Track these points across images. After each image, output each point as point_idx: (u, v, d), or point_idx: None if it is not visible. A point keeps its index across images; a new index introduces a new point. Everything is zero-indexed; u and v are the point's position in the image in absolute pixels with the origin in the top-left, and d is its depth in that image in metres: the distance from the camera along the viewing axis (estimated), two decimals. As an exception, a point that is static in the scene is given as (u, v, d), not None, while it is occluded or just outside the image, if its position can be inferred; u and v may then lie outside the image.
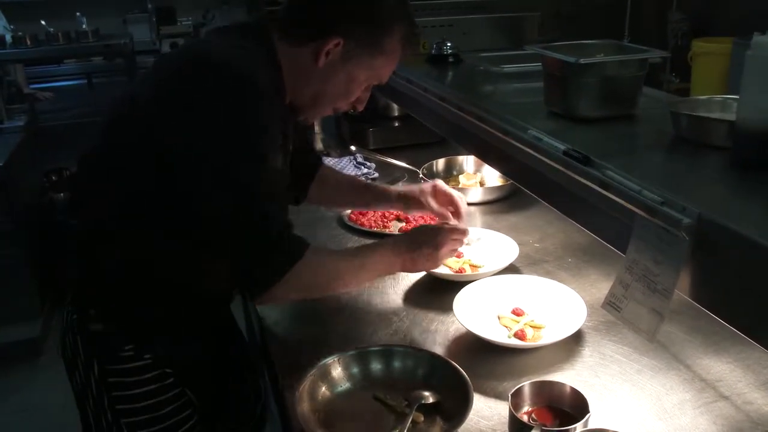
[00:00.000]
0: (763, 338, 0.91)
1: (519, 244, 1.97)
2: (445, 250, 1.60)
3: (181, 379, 1.49)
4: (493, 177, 2.56)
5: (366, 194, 1.93)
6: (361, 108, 1.52)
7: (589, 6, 4.45)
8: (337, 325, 1.70)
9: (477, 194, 2.42)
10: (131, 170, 1.34)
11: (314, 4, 1.39)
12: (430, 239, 1.58)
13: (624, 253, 1.07)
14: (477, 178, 2.57)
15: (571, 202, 1.19)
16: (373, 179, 2.60)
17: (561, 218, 1.36)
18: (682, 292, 0.98)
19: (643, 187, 1.01)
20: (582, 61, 1.26)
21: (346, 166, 2.66)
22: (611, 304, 1.07)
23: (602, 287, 1.82)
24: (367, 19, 1.38)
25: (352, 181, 2.04)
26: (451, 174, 2.65)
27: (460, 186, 2.50)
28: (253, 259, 1.33)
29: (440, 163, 2.65)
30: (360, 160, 2.74)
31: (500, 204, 2.42)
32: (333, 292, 1.66)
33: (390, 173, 2.61)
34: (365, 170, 2.67)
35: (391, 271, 1.64)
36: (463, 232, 1.67)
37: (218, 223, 1.29)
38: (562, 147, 1.17)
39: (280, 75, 1.38)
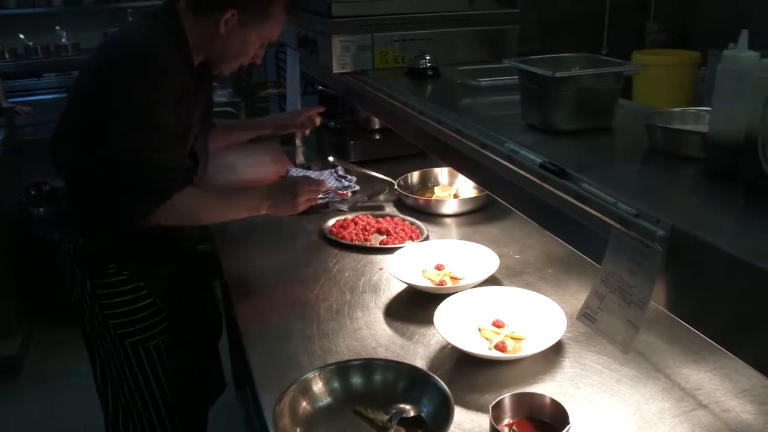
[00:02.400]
0: (736, 348, 0.92)
1: (499, 256, 1.98)
2: (302, 198, 1.93)
3: (151, 291, 1.90)
4: (467, 188, 2.57)
5: (239, 127, 2.61)
6: (259, 61, 1.97)
7: (568, 18, 4.49)
8: (318, 338, 1.70)
9: (452, 206, 2.42)
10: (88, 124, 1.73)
11: None
12: (290, 189, 1.95)
13: (600, 264, 1.08)
14: (452, 190, 2.57)
15: (547, 215, 1.20)
16: (354, 192, 2.60)
17: (540, 229, 1.37)
18: (657, 303, 0.99)
19: (618, 200, 1.01)
20: (558, 74, 1.27)
21: (327, 179, 2.66)
22: (586, 315, 1.08)
23: (582, 298, 1.78)
24: None
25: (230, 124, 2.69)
26: (426, 186, 2.66)
27: (434, 197, 2.50)
28: (145, 183, 1.72)
29: (415, 176, 2.66)
30: (341, 173, 2.74)
31: (478, 215, 2.43)
32: (204, 222, 2.03)
33: (371, 186, 2.61)
34: (346, 183, 2.67)
35: (257, 212, 1.94)
36: (319, 184, 2.02)
37: (129, 154, 1.69)
38: (538, 160, 1.18)
39: (186, 43, 1.78)
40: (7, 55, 5.35)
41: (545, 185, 1.16)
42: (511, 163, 1.25)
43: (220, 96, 4.78)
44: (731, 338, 0.91)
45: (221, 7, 1.75)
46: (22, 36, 5.64)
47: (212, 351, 2.26)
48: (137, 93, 1.67)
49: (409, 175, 2.64)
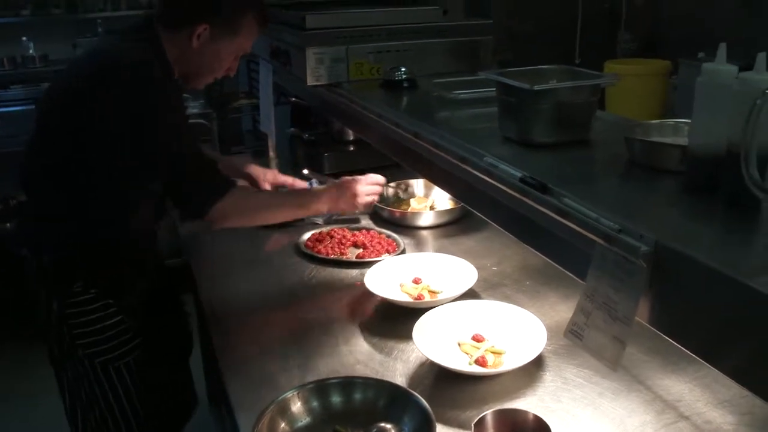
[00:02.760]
0: (718, 361, 0.91)
1: (477, 268, 1.97)
2: (362, 195, 2.04)
3: (120, 308, 1.85)
4: (443, 200, 2.56)
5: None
6: (232, 73, 1.96)
7: (540, 28, 4.52)
8: (295, 357, 1.67)
9: (428, 218, 2.41)
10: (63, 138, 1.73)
11: (183, 1, 1.83)
12: (350, 186, 2.04)
13: (583, 279, 1.07)
14: (428, 202, 2.56)
15: (528, 230, 1.19)
16: None
17: (516, 241, 1.36)
18: (641, 318, 0.98)
19: (600, 215, 1.00)
20: (536, 87, 1.26)
21: None
22: (573, 332, 1.06)
23: (561, 310, 1.82)
24: (226, 8, 1.81)
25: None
26: (401, 198, 2.63)
27: (410, 210, 2.48)
28: (195, 187, 1.81)
29: (389, 190, 2.63)
30: (315, 185, 2.70)
31: (454, 227, 2.42)
32: (264, 222, 2.11)
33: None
34: None
35: (317, 211, 2.10)
36: (378, 181, 2.12)
37: (165, 157, 1.75)
38: (518, 174, 1.17)
39: (166, 58, 1.79)
40: (-29, 67, 5.25)
41: (526, 200, 1.14)
42: (490, 178, 1.24)
43: (192, 108, 4.72)
44: (713, 352, 0.91)
45: (192, 22, 1.77)
46: (-13, 47, 5.55)
47: (184, 367, 2.23)
48: (155, 94, 1.71)
49: (384, 188, 2.62)
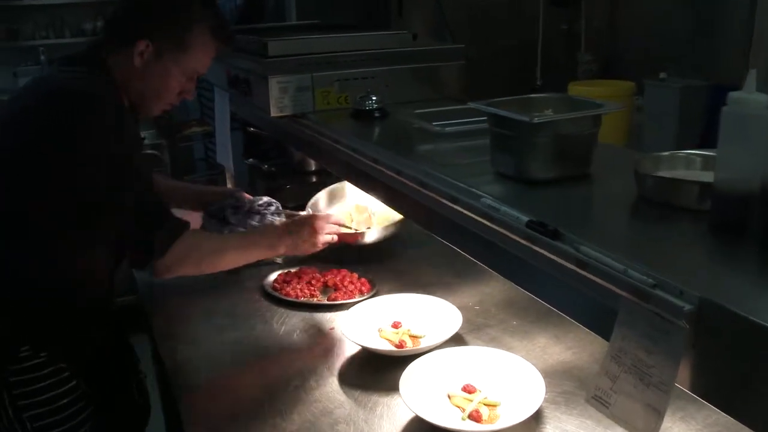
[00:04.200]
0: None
1: (458, 308, 1.84)
2: (321, 235, 1.91)
3: (75, 372, 1.63)
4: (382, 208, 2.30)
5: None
6: (190, 97, 1.77)
7: (500, 51, 4.46)
8: (269, 416, 1.51)
9: (373, 235, 2.22)
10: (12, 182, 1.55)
11: (123, 17, 1.69)
12: (309, 224, 1.91)
13: (606, 337, 0.94)
14: (366, 213, 2.34)
15: (538, 281, 1.06)
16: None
17: (494, 273, 1.24)
18: (680, 384, 0.86)
19: (627, 266, 0.88)
20: (536, 120, 1.14)
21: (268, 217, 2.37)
22: (598, 398, 0.94)
23: (553, 352, 1.70)
24: (168, 22, 1.65)
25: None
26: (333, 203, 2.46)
27: (353, 230, 2.25)
28: (143, 230, 1.63)
29: (322, 197, 2.45)
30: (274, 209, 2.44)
31: (424, 254, 2.28)
32: (219, 268, 1.82)
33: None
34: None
35: (276, 252, 1.92)
36: (335, 221, 2.01)
37: (110, 204, 1.57)
38: (524, 218, 1.04)
39: (114, 84, 1.63)
40: None
41: (536, 248, 1.02)
42: (490, 222, 1.11)
43: (142, 137, 4.51)
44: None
45: (134, 39, 1.62)
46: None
47: None
48: (102, 132, 1.54)
49: (316, 198, 2.45)
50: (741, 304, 0.77)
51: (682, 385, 0.85)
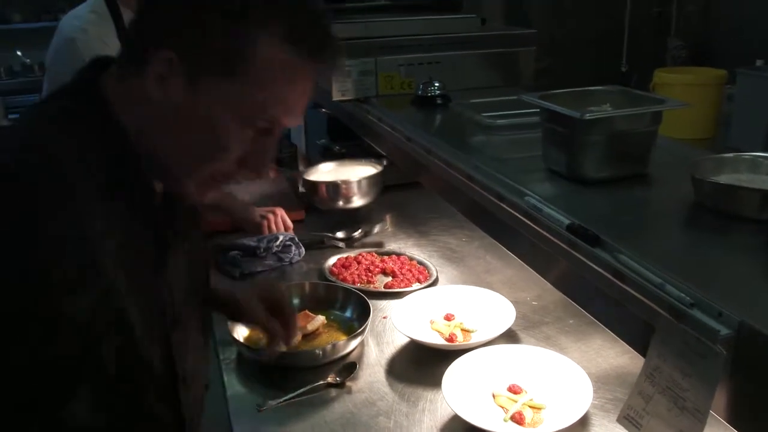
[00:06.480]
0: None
1: (515, 302, 1.79)
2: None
3: None
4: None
5: None
6: (262, 173, 0.97)
7: (585, 33, 4.31)
8: (311, 404, 1.51)
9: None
10: None
11: (140, 18, 0.94)
12: None
13: (642, 353, 0.89)
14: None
15: (576, 286, 1.01)
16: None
17: None
18: (715, 412, 0.80)
19: (665, 280, 0.82)
20: (587, 116, 1.08)
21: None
22: (629, 418, 0.88)
23: (608, 356, 1.64)
24: (210, 18, 0.88)
25: None
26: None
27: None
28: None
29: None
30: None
31: (493, 253, 2.23)
32: None
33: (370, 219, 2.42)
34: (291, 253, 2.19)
35: None
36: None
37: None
38: (566, 221, 0.99)
39: (124, 141, 0.91)
40: (2, 74, 5.18)
41: (574, 253, 0.97)
42: (532, 222, 1.07)
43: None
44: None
45: (149, 52, 0.88)
46: (19, 53, 5.50)
47: None
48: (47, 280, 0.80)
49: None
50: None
51: (717, 414, 0.80)
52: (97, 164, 0.88)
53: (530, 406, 1.44)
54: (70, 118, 0.91)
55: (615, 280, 0.89)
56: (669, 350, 0.83)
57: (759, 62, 3.59)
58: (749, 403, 0.76)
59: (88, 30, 2.11)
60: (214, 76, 0.89)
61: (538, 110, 1.26)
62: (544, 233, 1.04)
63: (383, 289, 1.98)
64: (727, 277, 0.86)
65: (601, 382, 1.51)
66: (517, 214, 1.11)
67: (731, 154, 1.11)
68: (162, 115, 0.90)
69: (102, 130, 0.91)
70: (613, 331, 1.01)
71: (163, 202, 0.99)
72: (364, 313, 1.75)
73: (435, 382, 1.52)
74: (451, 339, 1.67)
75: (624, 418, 0.89)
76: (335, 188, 2.25)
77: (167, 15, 0.90)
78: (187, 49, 0.88)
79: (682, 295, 0.80)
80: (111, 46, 2.29)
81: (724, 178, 1.06)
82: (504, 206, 1.16)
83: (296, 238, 2.19)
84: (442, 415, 1.46)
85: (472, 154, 1.34)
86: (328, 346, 1.63)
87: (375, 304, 1.92)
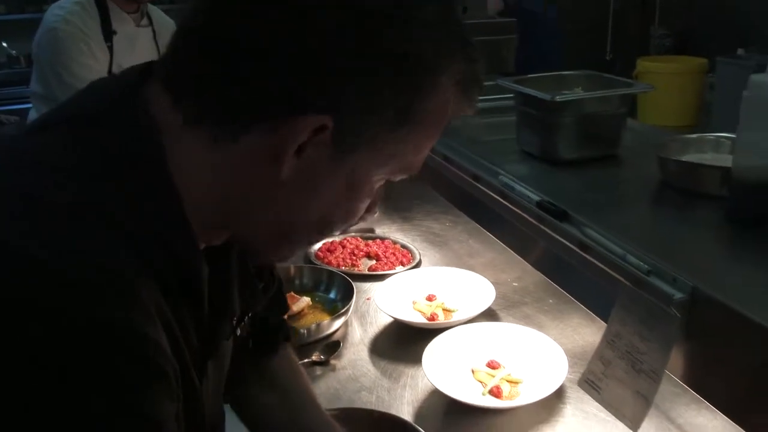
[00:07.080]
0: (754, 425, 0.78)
1: (496, 283, 1.84)
2: None
3: None
4: None
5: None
6: (370, 217, 0.81)
7: (570, 20, 4.36)
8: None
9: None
10: None
11: (262, 68, 0.64)
12: None
13: (605, 320, 0.94)
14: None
15: (545, 259, 1.06)
16: None
17: None
18: (671, 372, 0.85)
19: (627, 251, 0.87)
20: (558, 98, 1.13)
21: None
22: (589, 382, 0.94)
23: (585, 333, 1.68)
24: (395, 64, 0.66)
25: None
26: None
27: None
28: None
29: None
30: None
31: (474, 233, 2.28)
32: None
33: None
34: None
35: None
36: None
37: None
38: (536, 198, 1.04)
39: (170, 203, 0.66)
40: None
41: (543, 227, 1.02)
42: (505, 200, 1.11)
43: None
44: (751, 419, 0.78)
45: (286, 111, 0.65)
46: (4, 44, 5.49)
47: None
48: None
49: None
50: (742, 298, 0.76)
51: (673, 374, 0.85)
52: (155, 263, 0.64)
53: (508, 381, 1.49)
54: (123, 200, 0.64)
55: (581, 252, 0.94)
56: (629, 317, 0.88)
57: (740, 51, 3.66)
58: (702, 363, 0.82)
59: (70, 20, 2.14)
60: (382, 136, 0.69)
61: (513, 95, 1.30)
62: (516, 210, 1.08)
63: (367, 272, 2.03)
64: (685, 247, 0.91)
65: (578, 357, 1.55)
66: (490, 193, 1.16)
67: (695, 135, 1.16)
68: (265, 188, 0.70)
69: (161, 217, 0.66)
70: (581, 303, 1.06)
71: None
72: (348, 295, 1.80)
73: (416, 359, 1.57)
74: (432, 318, 1.72)
75: (585, 382, 0.94)
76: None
77: (334, 52, 0.64)
78: (351, 110, 0.66)
79: (641, 263, 0.84)
80: (93, 38, 2.33)
81: (688, 158, 1.11)
82: (479, 186, 1.20)
83: None
84: (423, 389, 1.51)
85: (450, 137, 1.39)
86: (313, 326, 1.67)
87: (359, 286, 1.97)
